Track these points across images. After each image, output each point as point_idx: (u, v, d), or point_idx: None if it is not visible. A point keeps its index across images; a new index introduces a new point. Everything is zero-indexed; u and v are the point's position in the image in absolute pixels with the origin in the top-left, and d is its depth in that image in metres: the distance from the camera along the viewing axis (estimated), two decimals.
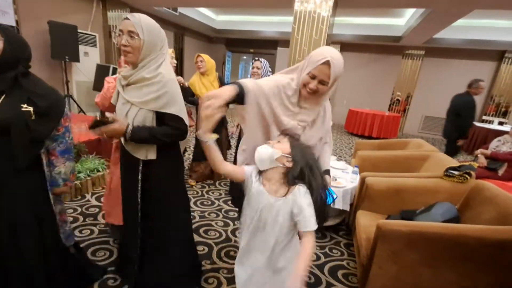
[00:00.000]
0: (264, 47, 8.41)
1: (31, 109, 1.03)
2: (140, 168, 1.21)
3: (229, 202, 2.56)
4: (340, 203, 2.04)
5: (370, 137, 6.37)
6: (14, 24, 3.39)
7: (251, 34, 7.90)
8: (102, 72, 4.50)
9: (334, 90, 1.02)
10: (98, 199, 2.42)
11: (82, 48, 4.44)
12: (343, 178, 2.22)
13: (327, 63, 0.91)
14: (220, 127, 2.80)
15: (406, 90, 7.46)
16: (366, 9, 5.49)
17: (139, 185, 1.22)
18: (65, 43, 3.96)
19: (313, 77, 0.95)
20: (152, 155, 1.19)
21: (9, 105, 1.00)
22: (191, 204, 2.49)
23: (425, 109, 7.50)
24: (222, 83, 2.77)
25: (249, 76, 2.50)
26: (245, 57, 11.50)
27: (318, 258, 1.88)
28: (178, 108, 1.16)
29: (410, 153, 2.56)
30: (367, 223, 1.73)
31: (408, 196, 1.85)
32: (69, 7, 4.33)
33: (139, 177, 1.22)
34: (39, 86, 1.10)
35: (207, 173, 2.99)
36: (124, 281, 1.49)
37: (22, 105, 1.02)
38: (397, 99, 7.56)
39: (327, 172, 1.13)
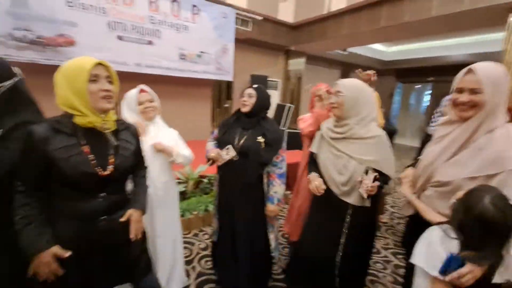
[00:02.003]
0: (449, 73, 7.00)
1: (263, 140, 1.46)
2: (350, 211, 1.27)
3: (401, 257, 2.22)
4: None
5: None
6: (231, 79, 4.85)
7: (431, 60, 6.88)
8: (280, 109, 5.43)
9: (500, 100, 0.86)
10: None
11: (268, 92, 5.61)
12: None
13: (469, 71, 0.90)
14: None
15: None
16: None
17: (345, 229, 1.28)
18: None
19: (460, 91, 0.93)
20: (365, 201, 1.25)
21: (251, 137, 1.47)
22: None
23: None
24: (387, 119, 2.56)
25: (423, 107, 2.18)
26: (417, 87, 10.06)
27: None
28: (391, 165, 1.27)
29: None
30: None
31: None
32: (264, 62, 5.66)
33: (347, 219, 1.28)
34: (270, 124, 1.54)
35: None
36: None
37: (258, 137, 1.46)
38: None
39: None
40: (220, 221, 1.64)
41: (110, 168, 0.93)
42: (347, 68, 7.70)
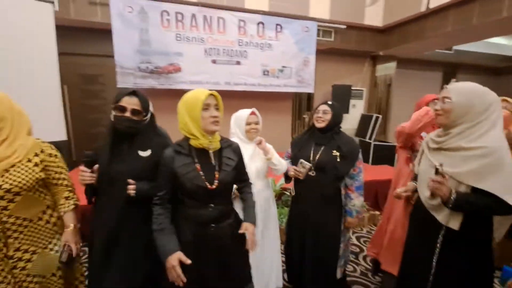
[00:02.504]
0: None
1: (338, 154, 1.48)
2: (442, 232, 1.08)
3: None
4: None
5: None
6: (312, 91, 4.81)
7: None
8: (365, 120, 5.04)
9: None
10: (358, 238, 2.63)
11: (351, 102, 5.30)
12: None
13: None
14: None
15: None
16: None
17: (436, 252, 1.10)
18: (341, 99, 4.92)
19: None
20: (454, 223, 1.04)
21: (326, 152, 1.52)
22: None
23: None
24: None
25: None
26: None
27: None
28: (500, 183, 0.95)
29: None
30: None
31: None
32: (347, 71, 5.40)
33: (438, 242, 1.09)
34: (344, 137, 1.56)
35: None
36: None
37: (333, 151, 1.49)
38: None
39: None
40: (289, 235, 1.69)
41: (215, 182, 1.09)
42: (452, 69, 6.52)
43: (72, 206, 1.21)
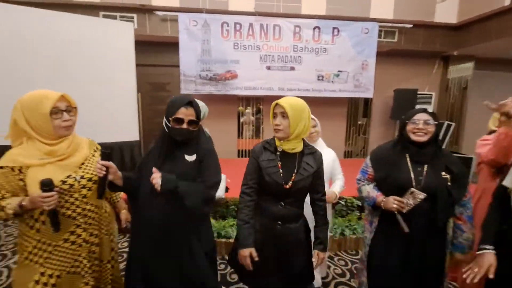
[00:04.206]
0: None
1: (448, 176, 1.20)
2: None
3: None
4: None
5: None
6: (371, 96, 4.51)
7: None
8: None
9: None
10: None
11: (417, 108, 4.80)
12: None
13: None
14: None
15: None
16: None
17: None
18: (404, 105, 4.49)
19: None
20: None
21: (433, 173, 1.21)
22: None
23: None
24: None
25: None
26: None
27: None
28: None
29: None
30: None
31: None
32: (412, 74, 4.92)
33: None
34: (449, 155, 1.26)
35: None
36: None
37: (442, 172, 1.21)
38: None
39: None
40: (381, 262, 1.35)
41: (290, 183, 1.18)
42: None
43: (122, 194, 1.43)
